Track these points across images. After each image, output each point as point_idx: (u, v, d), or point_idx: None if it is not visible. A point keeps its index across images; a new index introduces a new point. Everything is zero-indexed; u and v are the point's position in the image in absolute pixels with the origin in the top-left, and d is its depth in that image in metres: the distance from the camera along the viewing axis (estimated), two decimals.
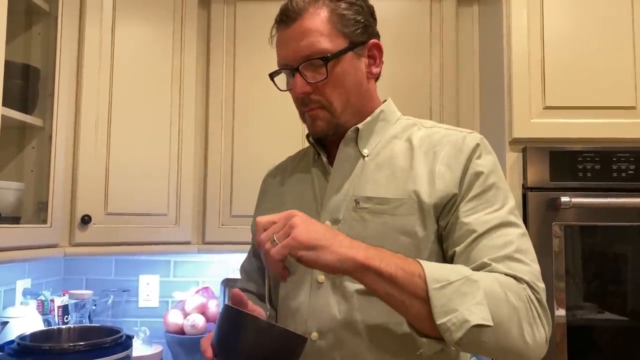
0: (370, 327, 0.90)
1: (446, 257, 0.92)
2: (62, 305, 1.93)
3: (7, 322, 1.66)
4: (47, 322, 1.84)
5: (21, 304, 1.85)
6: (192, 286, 2.13)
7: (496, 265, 0.81)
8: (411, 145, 0.97)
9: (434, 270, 0.78)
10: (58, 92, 1.50)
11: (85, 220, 1.56)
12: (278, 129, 1.86)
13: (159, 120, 1.78)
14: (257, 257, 1.16)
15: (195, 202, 1.85)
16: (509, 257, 0.83)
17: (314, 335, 0.92)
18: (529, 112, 1.56)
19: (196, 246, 1.84)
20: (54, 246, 1.50)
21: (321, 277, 0.95)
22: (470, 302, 0.75)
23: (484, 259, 0.82)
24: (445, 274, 0.77)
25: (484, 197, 0.88)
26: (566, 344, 1.47)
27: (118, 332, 1.36)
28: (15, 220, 1.41)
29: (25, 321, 1.70)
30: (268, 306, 0.98)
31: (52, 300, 1.92)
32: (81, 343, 1.26)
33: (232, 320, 0.81)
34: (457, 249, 0.87)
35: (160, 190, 1.76)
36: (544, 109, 1.56)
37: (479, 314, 0.74)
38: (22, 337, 1.29)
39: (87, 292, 1.85)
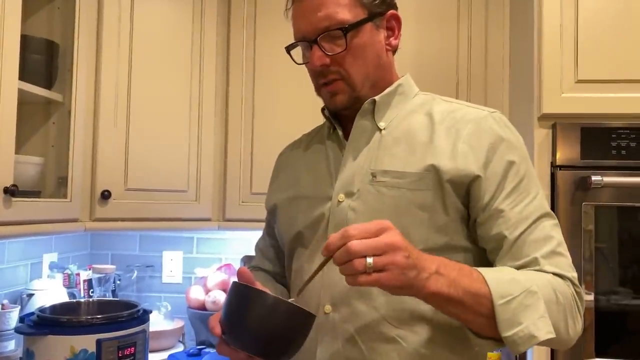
0: (387, 299, 0.88)
1: (478, 241, 0.91)
2: (88, 279, 1.97)
3: (33, 295, 1.71)
4: (72, 295, 1.88)
5: (48, 277, 1.90)
6: (214, 263, 2.14)
7: (543, 262, 0.85)
8: (431, 120, 0.94)
9: (498, 286, 0.79)
10: (77, 66, 1.50)
11: (105, 195, 1.57)
12: (299, 103, 1.83)
13: (178, 96, 1.77)
14: (271, 235, 1.15)
15: (216, 179, 1.84)
16: (552, 252, 0.86)
17: (327, 307, 0.91)
18: (559, 86, 1.47)
19: (216, 223, 1.83)
20: (75, 221, 1.52)
21: None
22: (534, 316, 0.78)
23: (531, 256, 0.85)
24: (508, 288, 0.79)
25: (520, 187, 0.89)
26: (594, 330, 1.41)
27: (135, 306, 1.37)
28: (35, 194, 1.43)
29: (50, 294, 1.74)
30: (282, 288, 0.96)
31: (78, 274, 1.96)
32: (98, 316, 1.27)
33: (240, 295, 0.79)
34: (504, 246, 0.87)
35: (180, 166, 1.76)
36: (576, 82, 1.47)
37: (544, 329, 0.78)
38: (41, 310, 1.31)
39: (110, 267, 1.88)
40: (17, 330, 1.23)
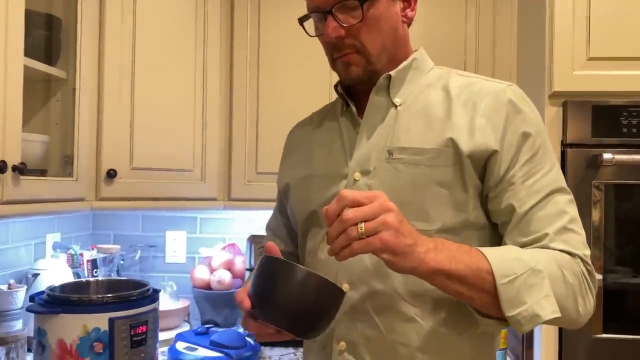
0: (404, 278, 0.88)
1: (490, 216, 0.90)
2: (91, 259, 1.96)
3: (38, 274, 1.69)
4: (76, 275, 1.87)
5: (51, 257, 1.88)
6: (218, 243, 2.14)
7: (552, 238, 0.83)
8: (448, 95, 0.93)
9: (501, 264, 0.79)
10: (80, 42, 1.47)
11: (111, 174, 1.55)
12: (305, 80, 1.81)
13: (183, 74, 1.74)
14: (283, 214, 1.14)
15: (221, 158, 1.82)
16: (563, 229, 0.84)
17: (345, 286, 0.91)
18: (571, 63, 1.46)
19: (222, 202, 1.82)
20: (81, 200, 1.50)
21: None
22: (538, 295, 0.77)
23: (540, 232, 0.83)
24: (511, 267, 0.78)
25: (534, 160, 0.87)
26: (602, 307, 1.42)
27: (145, 285, 1.36)
28: (41, 172, 1.41)
29: (55, 273, 1.73)
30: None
31: (82, 254, 1.95)
32: (109, 295, 1.26)
33: (270, 269, 0.79)
34: (513, 220, 0.86)
35: (186, 146, 1.74)
36: (587, 60, 1.46)
37: (549, 308, 0.77)
38: (52, 288, 1.30)
39: (115, 247, 1.86)
40: (29, 309, 1.21)
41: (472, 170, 0.87)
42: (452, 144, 0.87)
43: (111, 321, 1.22)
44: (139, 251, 2.10)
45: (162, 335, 1.78)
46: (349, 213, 0.74)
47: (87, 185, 1.51)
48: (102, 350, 1.21)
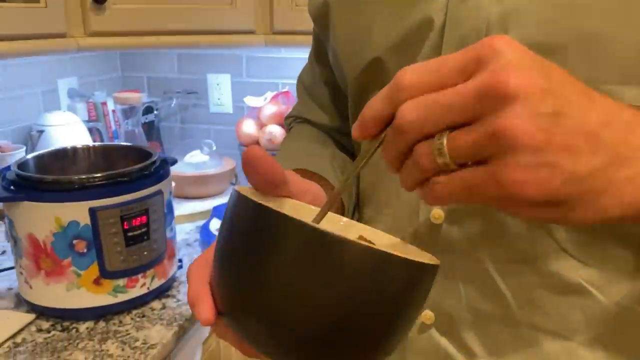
0: None
1: None
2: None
3: (43, 131, 1.37)
4: (96, 131, 1.54)
5: (68, 108, 1.56)
6: (269, 89, 1.70)
7: None
8: None
9: None
10: None
11: None
12: None
13: None
14: (322, 63, 0.66)
15: None
16: None
17: (437, 213, 0.46)
18: None
19: (262, 37, 1.33)
20: (62, 36, 1.08)
21: None
22: None
23: None
24: None
25: None
26: None
27: (150, 156, 0.98)
28: None
29: (66, 130, 1.41)
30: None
31: (104, 104, 1.61)
32: (96, 175, 0.89)
33: (264, 232, 0.31)
34: None
35: None
36: None
37: None
38: (22, 162, 0.95)
39: (134, 96, 1.48)
40: None
41: None
42: None
43: (92, 212, 0.87)
44: (175, 99, 1.73)
45: (202, 206, 1.46)
46: (410, 107, 0.29)
47: (66, 14, 1.07)
48: (85, 250, 0.88)
